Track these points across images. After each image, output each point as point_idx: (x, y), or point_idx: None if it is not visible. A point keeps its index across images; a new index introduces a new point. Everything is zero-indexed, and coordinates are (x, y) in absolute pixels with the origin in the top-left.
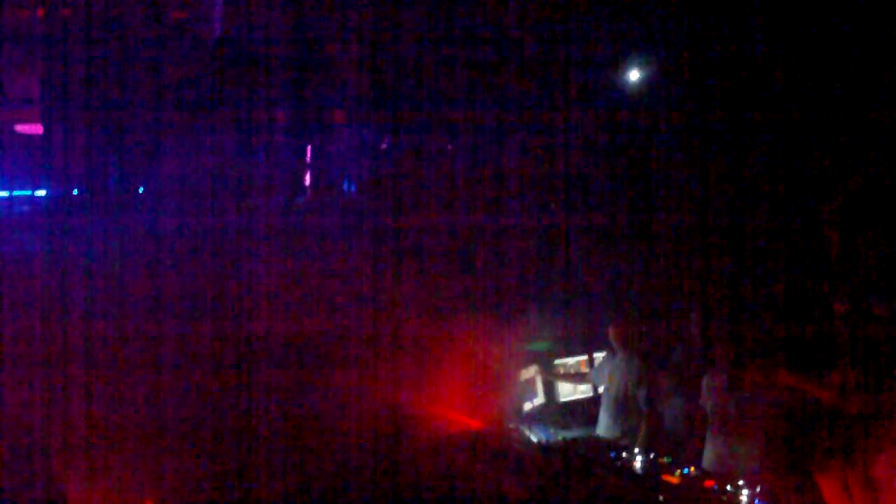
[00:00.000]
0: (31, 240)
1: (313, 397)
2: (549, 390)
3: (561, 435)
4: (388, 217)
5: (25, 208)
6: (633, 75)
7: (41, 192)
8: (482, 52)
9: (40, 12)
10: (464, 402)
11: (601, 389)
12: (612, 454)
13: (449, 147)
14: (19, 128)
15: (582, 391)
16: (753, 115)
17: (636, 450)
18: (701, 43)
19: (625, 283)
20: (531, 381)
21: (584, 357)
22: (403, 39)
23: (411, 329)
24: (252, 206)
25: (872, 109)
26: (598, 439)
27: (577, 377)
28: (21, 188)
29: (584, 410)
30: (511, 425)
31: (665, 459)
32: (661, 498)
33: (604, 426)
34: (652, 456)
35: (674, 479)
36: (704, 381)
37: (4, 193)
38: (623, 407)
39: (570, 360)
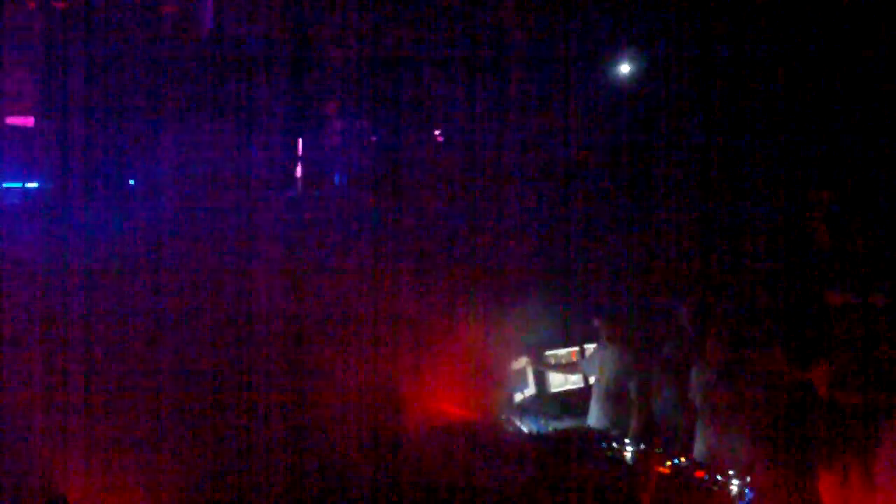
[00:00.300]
0: (21, 231)
1: (309, 385)
2: (541, 381)
3: (552, 425)
4: (381, 209)
5: (16, 200)
6: (626, 69)
7: (32, 185)
8: (475, 44)
9: (32, 5)
10: (455, 392)
11: (592, 380)
12: (603, 445)
13: (441, 139)
14: (10, 120)
15: (573, 382)
16: (747, 107)
17: (627, 440)
18: (695, 38)
19: (616, 275)
20: (522, 372)
21: (576, 348)
22: (395, 32)
23: (403, 321)
24: (245, 198)
25: (865, 101)
26: (589, 430)
27: (568, 368)
28: (12, 180)
29: (576, 401)
30: (502, 416)
31: (656, 450)
32: (651, 488)
33: (595, 417)
34: (643, 446)
35: (665, 470)
36: (693, 373)
37: None
38: (614, 398)
39: (562, 351)
